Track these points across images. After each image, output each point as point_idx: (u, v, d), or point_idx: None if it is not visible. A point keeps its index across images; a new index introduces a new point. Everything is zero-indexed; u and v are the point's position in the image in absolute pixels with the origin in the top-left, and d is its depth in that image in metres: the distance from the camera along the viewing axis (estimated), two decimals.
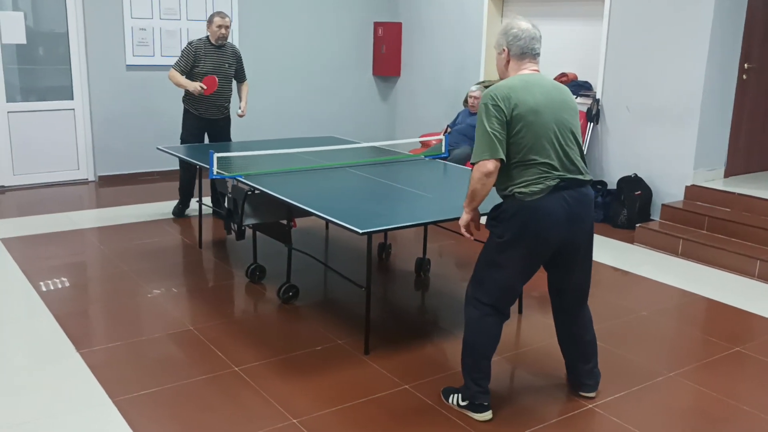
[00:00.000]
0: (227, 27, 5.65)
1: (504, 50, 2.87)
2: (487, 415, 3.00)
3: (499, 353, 3.63)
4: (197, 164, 4.67)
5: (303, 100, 8.28)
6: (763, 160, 6.47)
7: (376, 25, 8.60)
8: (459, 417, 3.01)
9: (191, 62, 5.61)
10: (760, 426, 3.05)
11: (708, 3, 5.61)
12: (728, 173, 6.15)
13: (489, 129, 2.72)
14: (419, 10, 8.34)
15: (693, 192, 5.84)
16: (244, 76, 5.98)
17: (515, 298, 3.03)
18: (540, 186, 2.76)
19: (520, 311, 4.19)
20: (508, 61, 2.88)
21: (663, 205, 5.86)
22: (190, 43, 5.67)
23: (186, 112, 5.81)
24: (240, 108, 5.94)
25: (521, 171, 2.77)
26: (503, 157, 2.73)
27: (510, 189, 2.81)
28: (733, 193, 5.62)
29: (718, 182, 5.93)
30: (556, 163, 2.78)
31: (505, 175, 2.81)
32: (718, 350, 3.77)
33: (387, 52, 8.58)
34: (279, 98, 8.07)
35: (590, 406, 3.15)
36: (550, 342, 3.79)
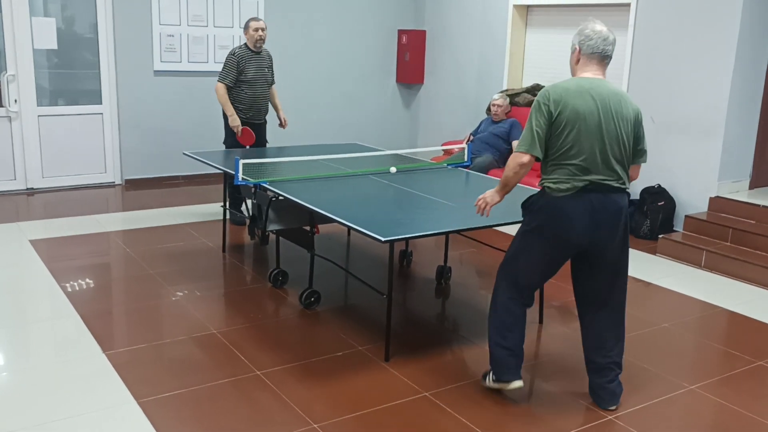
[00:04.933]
0: (264, 29, 5.74)
1: (576, 48, 3.02)
2: (517, 383, 3.17)
3: None
4: (223, 170, 4.74)
5: (327, 107, 8.35)
6: None
7: (401, 32, 8.65)
8: (479, 425, 3.03)
9: (236, 73, 5.68)
10: None
11: (734, 15, 5.58)
12: (753, 185, 6.09)
13: (534, 126, 2.92)
14: (443, 18, 8.38)
15: (717, 203, 5.80)
16: (274, 80, 6.08)
17: (535, 287, 3.19)
18: (567, 185, 2.91)
19: (540, 321, 4.19)
20: (578, 60, 3.02)
21: (686, 216, 5.83)
22: (232, 54, 5.72)
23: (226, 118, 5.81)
24: (281, 119, 6.04)
25: (555, 168, 2.94)
26: (539, 155, 2.93)
27: (543, 182, 3.00)
28: (758, 206, 5.57)
29: (742, 194, 5.88)
30: (590, 168, 2.90)
31: (542, 169, 3.01)
32: (740, 364, 3.75)
33: (411, 60, 8.62)
34: (303, 105, 8.14)
35: (610, 417, 3.15)
36: (570, 352, 3.79)
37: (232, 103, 5.73)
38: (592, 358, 3.22)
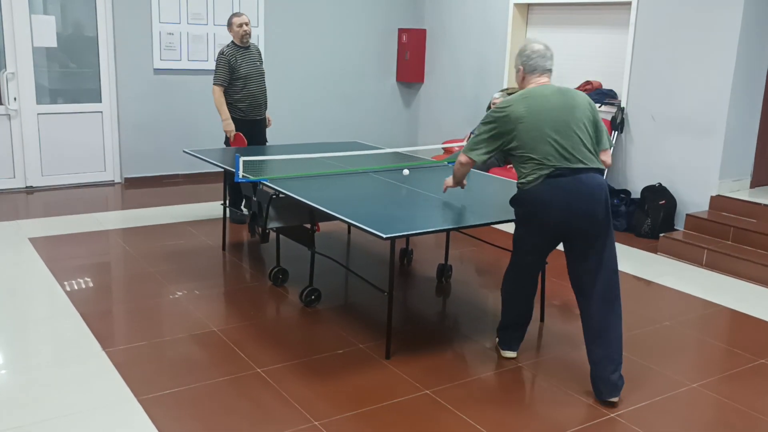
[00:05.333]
0: (248, 23, 5.72)
1: (519, 68, 3.35)
2: (510, 353, 3.63)
3: (520, 360, 3.63)
4: (223, 167, 4.73)
5: (327, 105, 8.34)
6: None
7: (401, 31, 8.64)
8: (480, 423, 3.02)
9: (229, 71, 5.66)
10: None
11: (735, 14, 5.57)
12: (754, 184, 6.08)
13: (479, 133, 3.30)
14: (444, 17, 8.37)
15: (718, 202, 5.79)
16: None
17: (537, 266, 3.48)
18: (534, 176, 3.15)
19: (542, 319, 4.18)
20: (523, 78, 3.35)
21: (687, 215, 5.82)
22: (221, 54, 5.70)
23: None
24: (266, 118, 6.03)
25: (521, 166, 3.21)
26: (476, 159, 3.33)
27: (518, 182, 3.26)
28: (759, 204, 5.56)
29: (743, 193, 5.87)
30: (551, 157, 3.12)
31: (516, 171, 3.26)
32: (741, 362, 3.74)
33: (411, 59, 8.61)
34: (303, 103, 8.13)
35: (612, 415, 3.14)
36: (571, 350, 3.78)
37: (231, 103, 5.72)
38: (591, 349, 3.25)
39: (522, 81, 3.36)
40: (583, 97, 3.27)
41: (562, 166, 3.11)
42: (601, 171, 3.21)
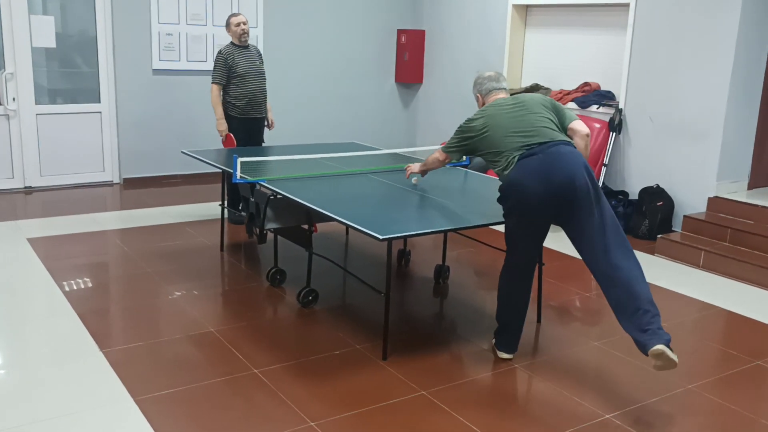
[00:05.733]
0: (245, 23, 5.76)
1: (477, 96, 3.75)
2: (506, 355, 3.67)
3: (516, 362, 3.64)
4: (221, 168, 4.73)
5: (325, 106, 8.34)
6: None
7: (400, 32, 8.64)
8: (477, 424, 3.02)
9: (227, 70, 5.68)
10: None
11: (734, 16, 5.58)
12: (752, 185, 6.09)
13: (453, 141, 3.67)
14: (442, 19, 8.37)
15: (716, 204, 5.80)
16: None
17: (530, 260, 3.52)
18: (506, 163, 3.36)
19: (538, 320, 4.19)
20: (483, 103, 3.71)
21: (685, 216, 5.83)
22: (219, 53, 5.73)
23: (227, 115, 5.79)
24: (269, 120, 6.03)
25: (495, 163, 3.45)
26: (454, 159, 3.78)
27: (499, 177, 3.49)
28: (757, 206, 5.57)
29: (741, 194, 5.88)
30: (518, 145, 3.35)
31: (494, 171, 3.49)
32: (738, 364, 3.75)
33: (410, 60, 8.62)
34: (302, 103, 8.14)
35: (607, 416, 3.14)
36: (567, 352, 3.79)
37: (229, 101, 5.74)
38: (625, 317, 3.13)
39: (482, 105, 3.69)
40: (535, 95, 3.60)
41: (530, 143, 3.33)
42: (568, 143, 3.38)
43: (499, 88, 3.67)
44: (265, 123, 6.04)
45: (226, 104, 5.76)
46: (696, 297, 4.72)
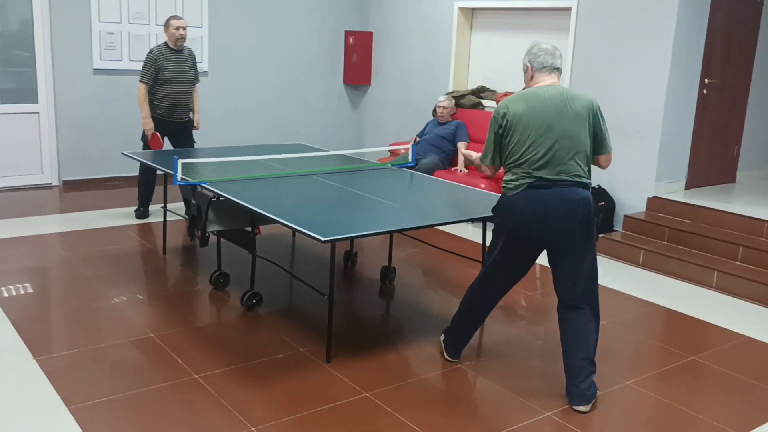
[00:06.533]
0: (185, 28, 5.75)
1: (528, 67, 3.29)
2: (454, 359, 3.65)
3: (461, 362, 3.66)
4: (162, 170, 4.64)
5: (273, 107, 8.27)
6: (723, 173, 6.62)
7: (347, 33, 8.63)
8: (419, 424, 3.03)
9: (155, 71, 5.68)
10: None
11: (670, 20, 5.74)
12: (689, 185, 6.27)
13: (488, 138, 3.27)
14: (390, 20, 8.39)
15: (655, 204, 5.95)
16: (197, 79, 6.07)
17: (503, 281, 3.42)
18: (516, 183, 3.16)
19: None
20: (531, 77, 3.29)
21: (625, 216, 5.96)
22: (150, 52, 5.74)
23: (151, 116, 5.82)
24: (195, 121, 6.07)
25: (510, 170, 3.21)
26: (491, 163, 3.30)
27: (504, 185, 3.25)
28: (693, 205, 5.73)
29: (678, 194, 6.05)
30: (538, 165, 3.11)
31: (505, 173, 3.26)
32: (674, 359, 3.85)
33: (357, 61, 8.62)
34: (248, 104, 8.05)
35: (548, 414, 3.19)
36: (512, 352, 3.83)
37: (153, 101, 5.76)
38: (568, 359, 3.27)
39: (530, 80, 3.29)
40: (585, 104, 3.19)
41: (546, 177, 3.10)
42: (585, 185, 3.18)
43: (554, 68, 3.26)
44: (192, 125, 6.05)
45: (151, 104, 5.77)
46: (635, 295, 4.83)
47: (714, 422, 3.19)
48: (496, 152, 3.25)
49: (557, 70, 3.27)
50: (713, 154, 6.45)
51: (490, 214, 3.45)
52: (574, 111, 3.15)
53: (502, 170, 3.33)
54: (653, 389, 3.48)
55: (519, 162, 3.14)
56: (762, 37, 6.53)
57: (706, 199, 5.91)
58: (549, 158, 3.10)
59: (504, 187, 3.23)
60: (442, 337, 3.73)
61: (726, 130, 6.51)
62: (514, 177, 3.17)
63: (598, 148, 3.27)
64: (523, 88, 3.34)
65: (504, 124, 3.17)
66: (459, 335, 3.63)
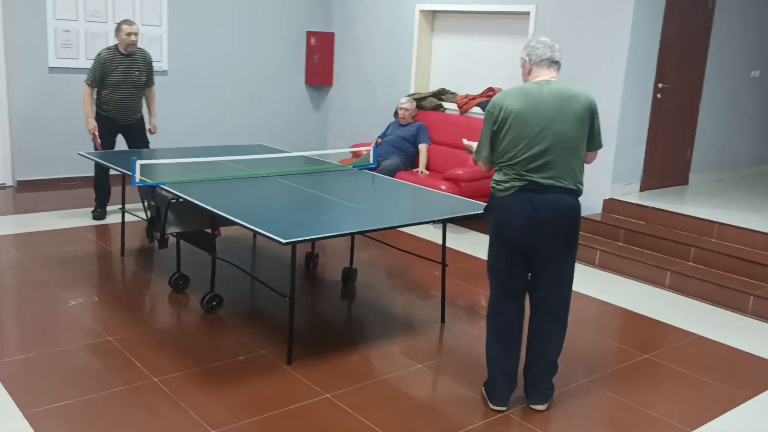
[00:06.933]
0: (136, 34, 5.71)
1: (525, 60, 3.17)
2: (500, 407, 3.26)
3: (421, 361, 3.70)
4: (120, 171, 4.58)
5: (234, 108, 8.21)
6: (676, 175, 6.80)
7: (309, 34, 8.61)
8: (379, 425, 3.05)
9: (100, 75, 5.65)
10: (666, 431, 3.20)
11: (625, 27, 5.87)
12: (644, 187, 6.42)
13: (482, 134, 3.14)
14: (352, 21, 8.41)
15: (610, 205, 6.08)
16: (152, 81, 6.02)
17: (513, 284, 3.20)
18: (507, 185, 3.07)
19: (442, 320, 4.27)
20: (529, 71, 3.17)
21: (582, 217, 6.05)
22: (99, 55, 5.70)
23: (97, 113, 5.81)
24: (151, 125, 6.05)
25: (501, 170, 3.10)
26: (486, 161, 3.16)
27: (492, 183, 3.15)
28: (648, 207, 5.87)
29: (633, 196, 6.19)
30: (531, 167, 3.02)
31: (496, 171, 3.16)
32: (629, 357, 3.94)
33: (319, 62, 8.61)
34: (209, 105, 7.98)
35: (507, 412, 3.24)
36: (472, 350, 3.88)
37: (98, 104, 5.75)
38: (528, 358, 3.29)
39: (528, 74, 3.17)
40: (585, 103, 3.11)
41: (538, 180, 3.02)
42: (575, 192, 3.11)
43: (553, 61, 3.14)
44: (147, 127, 6.03)
45: (97, 104, 5.78)
46: (592, 295, 4.93)
47: (667, 419, 3.28)
48: (490, 148, 3.12)
49: (556, 63, 3.16)
50: (667, 157, 6.61)
51: (451, 215, 3.46)
52: (573, 111, 3.05)
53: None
54: (609, 387, 3.56)
55: (511, 162, 3.04)
56: (713, 42, 6.72)
57: (660, 201, 6.05)
58: (543, 161, 3.01)
59: (493, 187, 3.13)
60: (483, 390, 3.38)
61: (679, 133, 6.68)
62: (505, 178, 3.07)
63: (588, 145, 3.20)
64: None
65: (499, 119, 3.04)
66: (497, 377, 3.28)
